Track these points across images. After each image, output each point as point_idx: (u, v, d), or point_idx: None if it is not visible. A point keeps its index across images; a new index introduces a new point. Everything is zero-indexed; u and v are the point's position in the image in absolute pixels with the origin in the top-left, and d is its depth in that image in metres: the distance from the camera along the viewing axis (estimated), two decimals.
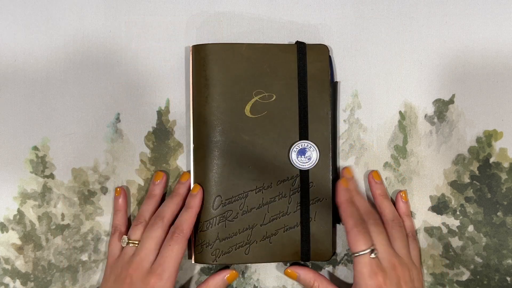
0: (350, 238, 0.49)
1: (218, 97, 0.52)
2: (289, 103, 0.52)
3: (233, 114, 0.52)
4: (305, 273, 0.52)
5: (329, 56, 0.53)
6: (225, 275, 0.52)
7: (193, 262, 0.52)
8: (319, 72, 0.53)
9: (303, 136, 0.52)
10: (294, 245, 0.52)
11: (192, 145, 0.52)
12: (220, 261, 0.51)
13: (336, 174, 0.54)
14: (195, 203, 0.51)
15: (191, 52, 0.53)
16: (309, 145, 0.52)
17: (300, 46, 0.53)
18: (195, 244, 0.52)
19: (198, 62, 0.52)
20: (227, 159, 0.52)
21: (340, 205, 0.51)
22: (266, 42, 0.54)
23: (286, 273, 0.52)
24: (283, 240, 0.52)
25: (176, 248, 0.49)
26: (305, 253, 0.52)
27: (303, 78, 0.52)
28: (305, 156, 0.52)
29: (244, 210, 0.52)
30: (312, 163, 0.52)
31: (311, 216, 0.52)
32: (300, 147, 0.52)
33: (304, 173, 0.52)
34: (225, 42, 0.54)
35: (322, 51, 0.53)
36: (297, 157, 0.52)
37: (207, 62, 0.52)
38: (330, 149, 0.53)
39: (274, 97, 0.52)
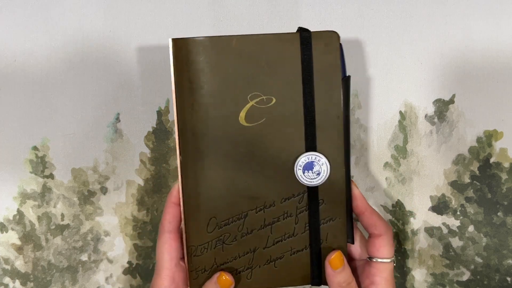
0: None
1: (206, 104, 0.44)
2: (292, 106, 0.44)
3: (225, 123, 0.44)
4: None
5: (340, 45, 0.44)
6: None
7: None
8: (328, 67, 0.44)
9: (310, 146, 0.44)
10: (303, 269, 0.46)
11: (178, 159, 0.45)
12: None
13: (349, 185, 0.47)
14: (168, 198, 0.47)
15: (170, 48, 0.44)
16: (318, 158, 0.44)
17: (304, 35, 0.43)
18: (190, 270, 0.46)
19: (179, 60, 0.44)
20: (221, 176, 0.45)
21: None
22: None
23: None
24: (290, 264, 0.46)
25: (158, 243, 0.46)
26: (316, 277, 0.46)
27: (309, 75, 0.44)
28: (313, 171, 0.44)
29: (243, 232, 0.46)
30: (322, 179, 0.45)
31: (322, 238, 0.46)
32: (307, 160, 0.44)
33: (312, 189, 0.45)
34: None
35: (331, 39, 0.44)
36: (304, 173, 0.44)
37: (190, 61, 0.43)
38: (344, 160, 0.45)
39: (274, 101, 0.44)
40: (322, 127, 0.44)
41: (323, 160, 0.44)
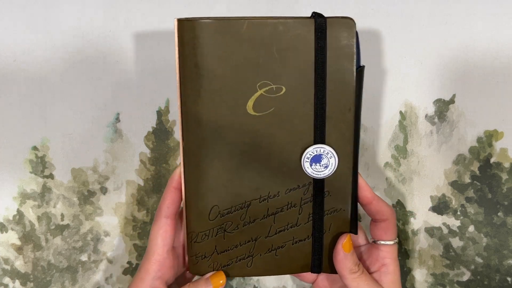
0: None
1: (213, 91, 0.42)
2: (302, 97, 0.42)
3: (231, 112, 0.42)
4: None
5: (356, 33, 0.42)
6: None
7: (187, 272, 0.49)
8: (343, 56, 0.41)
9: (319, 139, 0.43)
10: (304, 258, 0.46)
11: (181, 147, 0.44)
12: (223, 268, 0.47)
13: (356, 177, 0.46)
14: (169, 183, 0.46)
15: (176, 29, 0.41)
16: (326, 151, 0.43)
17: (319, 21, 0.41)
18: (190, 255, 0.46)
19: (185, 44, 0.41)
20: (225, 166, 0.43)
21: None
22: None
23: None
24: (291, 253, 0.46)
25: (154, 228, 0.46)
26: (316, 266, 0.46)
27: (322, 64, 0.41)
28: (321, 164, 0.43)
29: (246, 221, 0.45)
30: (329, 172, 0.43)
31: (325, 229, 0.45)
32: (315, 153, 0.43)
33: (318, 181, 0.44)
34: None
35: (347, 26, 0.41)
36: (311, 165, 0.43)
37: (197, 45, 0.41)
38: (352, 154, 0.44)
39: (284, 90, 0.42)
40: (332, 119, 0.42)
41: (332, 153, 0.43)
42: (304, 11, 0.55)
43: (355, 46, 0.41)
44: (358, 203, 0.47)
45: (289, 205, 0.45)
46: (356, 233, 0.47)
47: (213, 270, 0.46)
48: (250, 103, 0.42)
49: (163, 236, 0.45)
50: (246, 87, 0.42)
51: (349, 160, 0.44)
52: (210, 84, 0.42)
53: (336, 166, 0.43)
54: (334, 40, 0.41)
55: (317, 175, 0.44)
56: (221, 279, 0.45)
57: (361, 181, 0.46)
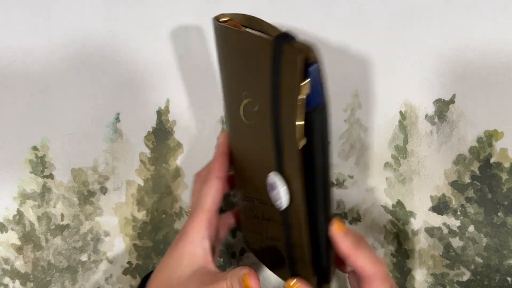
0: None
1: (224, 90, 0.44)
2: (268, 120, 0.37)
3: (231, 114, 0.43)
4: None
5: (315, 65, 0.33)
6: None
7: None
8: (290, 91, 0.34)
9: (279, 167, 0.38)
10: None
11: None
12: (249, 245, 0.49)
13: (322, 224, 0.40)
14: (218, 148, 0.47)
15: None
16: (277, 183, 0.39)
17: (276, 46, 0.33)
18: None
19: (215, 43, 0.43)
20: (237, 159, 0.45)
21: None
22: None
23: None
24: (286, 261, 0.45)
25: (205, 187, 0.45)
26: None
27: (276, 93, 0.35)
28: (274, 193, 0.39)
29: (253, 215, 0.46)
30: (280, 204, 0.39)
31: (297, 259, 0.42)
32: (271, 181, 0.39)
33: (283, 210, 0.40)
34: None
35: (296, 59, 0.32)
36: (269, 191, 0.40)
37: (216, 45, 0.42)
38: (302, 194, 0.37)
39: (257, 107, 0.38)
40: (286, 154, 0.37)
41: (278, 187, 0.39)
42: (304, 11, 0.55)
43: (299, 80, 0.33)
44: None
45: (273, 219, 0.42)
46: (325, 280, 0.41)
47: (246, 242, 0.49)
48: (241, 110, 0.40)
49: (214, 195, 0.44)
50: (236, 94, 0.40)
51: (300, 202, 0.38)
52: (221, 83, 0.44)
53: (286, 202, 0.39)
54: (287, 71, 0.33)
55: (275, 203, 0.40)
56: (253, 281, 0.40)
57: (335, 231, 0.40)
